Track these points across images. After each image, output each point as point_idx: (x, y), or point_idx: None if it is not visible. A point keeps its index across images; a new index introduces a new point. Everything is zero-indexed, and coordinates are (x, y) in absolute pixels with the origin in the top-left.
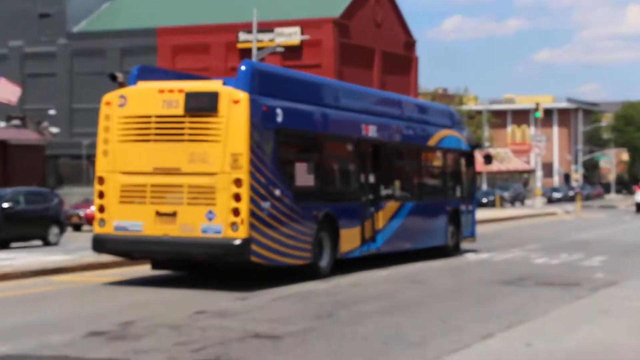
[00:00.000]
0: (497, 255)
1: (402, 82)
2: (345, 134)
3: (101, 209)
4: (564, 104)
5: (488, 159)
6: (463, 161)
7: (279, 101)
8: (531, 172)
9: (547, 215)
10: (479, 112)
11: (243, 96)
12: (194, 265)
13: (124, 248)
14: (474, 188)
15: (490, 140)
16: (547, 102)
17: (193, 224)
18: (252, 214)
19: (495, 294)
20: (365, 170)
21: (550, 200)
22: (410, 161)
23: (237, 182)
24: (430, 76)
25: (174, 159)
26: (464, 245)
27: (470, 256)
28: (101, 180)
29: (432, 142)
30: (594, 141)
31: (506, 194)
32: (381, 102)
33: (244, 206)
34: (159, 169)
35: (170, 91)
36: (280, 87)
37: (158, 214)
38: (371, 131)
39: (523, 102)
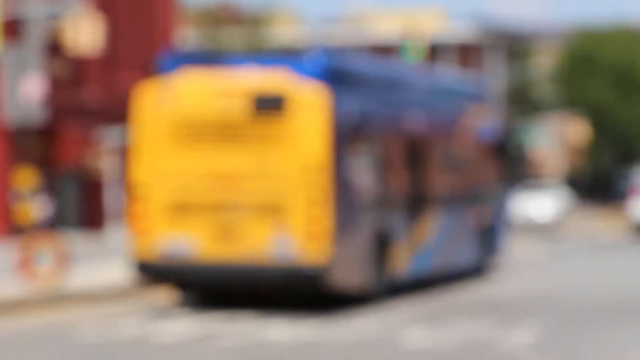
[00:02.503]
0: (334, 332)
1: None
2: (398, 131)
3: (139, 227)
4: (467, 36)
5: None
6: (494, 151)
7: (348, 97)
8: None
9: None
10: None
11: (319, 94)
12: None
13: (172, 275)
14: (506, 187)
15: None
16: (433, 29)
17: (260, 244)
18: (330, 231)
19: None
20: (409, 173)
21: None
22: (446, 157)
23: (315, 194)
24: None
25: (235, 167)
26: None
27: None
28: (140, 191)
29: (465, 133)
30: (523, 104)
31: None
32: (421, 82)
33: (323, 222)
34: (214, 180)
35: (228, 88)
36: (349, 79)
37: (215, 232)
38: (414, 123)
39: (383, 32)
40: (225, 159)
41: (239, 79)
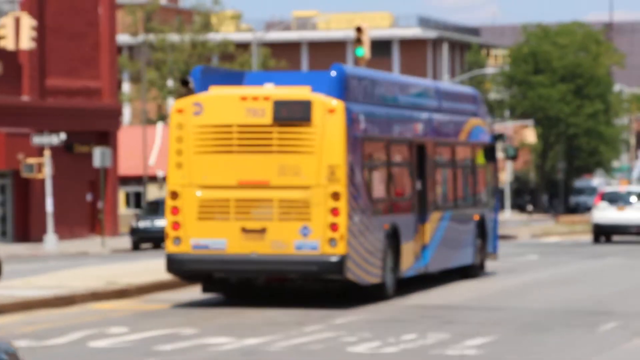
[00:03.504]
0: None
1: None
2: (405, 137)
3: (175, 226)
4: (413, 31)
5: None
6: (487, 156)
7: (362, 107)
8: None
9: None
10: (245, 46)
11: (338, 105)
12: (261, 288)
13: (205, 268)
14: (496, 190)
15: None
16: (381, 25)
17: (285, 240)
18: (348, 228)
19: None
20: (414, 176)
21: None
22: (446, 161)
23: (335, 196)
24: None
25: (262, 172)
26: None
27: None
28: (175, 195)
29: (463, 137)
30: None
31: None
32: (425, 93)
33: (342, 221)
34: (244, 182)
35: (255, 99)
36: (362, 91)
37: (244, 230)
38: (419, 129)
39: (333, 27)
40: (253, 163)
41: (264, 92)
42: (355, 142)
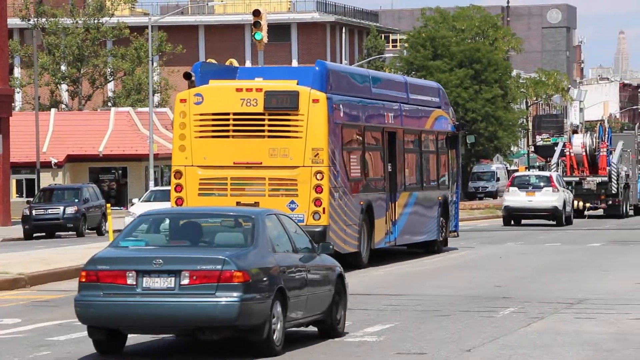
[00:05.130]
0: None
1: None
2: (377, 124)
3: (179, 201)
4: (311, 15)
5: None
6: (449, 144)
7: (340, 96)
8: None
9: None
10: (140, 30)
11: (321, 95)
12: None
13: None
14: (458, 174)
15: (166, 92)
16: (279, 9)
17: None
18: (329, 203)
19: None
20: (386, 160)
21: None
22: (413, 147)
23: (319, 175)
24: None
25: (255, 154)
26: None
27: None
28: (178, 174)
29: (428, 126)
30: None
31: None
32: (395, 87)
33: (324, 197)
34: (239, 163)
35: (249, 90)
36: (340, 83)
37: (239, 205)
38: (390, 118)
39: (230, 11)
40: (247, 146)
41: (257, 84)
42: (336, 128)
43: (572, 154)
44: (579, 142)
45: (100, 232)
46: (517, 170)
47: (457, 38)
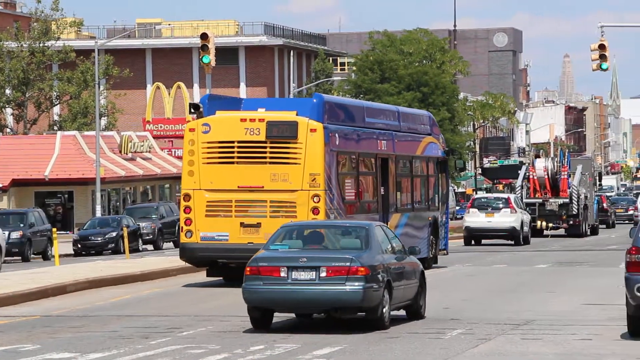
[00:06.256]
0: None
1: None
2: (371, 151)
3: (188, 222)
4: (259, 38)
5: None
6: (439, 168)
7: (336, 126)
8: None
9: None
10: (87, 53)
11: (318, 125)
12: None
13: (212, 255)
14: (447, 197)
15: (113, 115)
16: (227, 33)
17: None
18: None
19: None
20: (379, 183)
21: None
22: (405, 171)
23: (316, 198)
24: None
25: (257, 178)
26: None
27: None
28: (187, 197)
29: (419, 152)
30: None
31: (145, 226)
32: (387, 116)
33: (321, 218)
34: (243, 186)
35: (252, 120)
36: (336, 113)
37: (243, 225)
38: (382, 145)
39: (177, 35)
40: (250, 171)
41: (259, 115)
42: (332, 155)
43: (535, 177)
44: (542, 166)
45: (46, 256)
46: (465, 193)
47: (405, 61)
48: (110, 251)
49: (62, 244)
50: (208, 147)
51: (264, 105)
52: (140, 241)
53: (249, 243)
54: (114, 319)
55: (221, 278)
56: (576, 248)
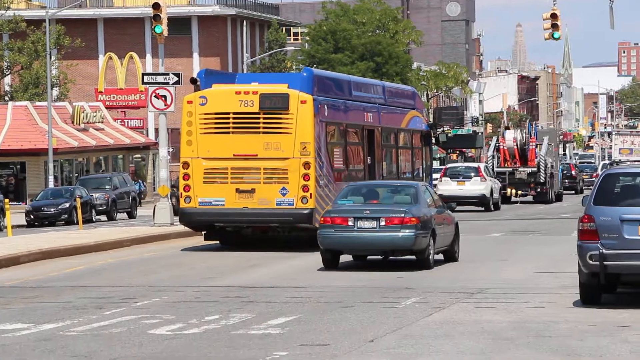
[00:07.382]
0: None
1: None
2: (357, 122)
3: (186, 188)
4: (211, 8)
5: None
6: (423, 141)
7: (324, 98)
8: (151, 147)
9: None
10: (38, 23)
11: (308, 97)
12: (241, 240)
13: (209, 219)
14: (431, 168)
15: (64, 86)
16: (179, 2)
17: (269, 198)
18: (316, 190)
19: None
20: (365, 153)
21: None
22: (390, 143)
23: (306, 165)
24: None
25: (251, 147)
26: None
27: None
28: (186, 165)
29: (404, 124)
30: None
31: (99, 197)
32: (373, 90)
33: (311, 184)
34: (238, 155)
35: (246, 93)
36: (325, 87)
37: (238, 191)
38: (369, 117)
39: (129, 4)
40: (245, 140)
41: (253, 88)
42: (321, 125)
43: (505, 148)
44: (511, 137)
45: None
46: None
47: (358, 31)
48: (63, 222)
49: (15, 214)
50: (205, 118)
51: (258, 79)
52: (93, 212)
53: (244, 208)
54: (67, 290)
55: (181, 245)
56: (529, 217)
